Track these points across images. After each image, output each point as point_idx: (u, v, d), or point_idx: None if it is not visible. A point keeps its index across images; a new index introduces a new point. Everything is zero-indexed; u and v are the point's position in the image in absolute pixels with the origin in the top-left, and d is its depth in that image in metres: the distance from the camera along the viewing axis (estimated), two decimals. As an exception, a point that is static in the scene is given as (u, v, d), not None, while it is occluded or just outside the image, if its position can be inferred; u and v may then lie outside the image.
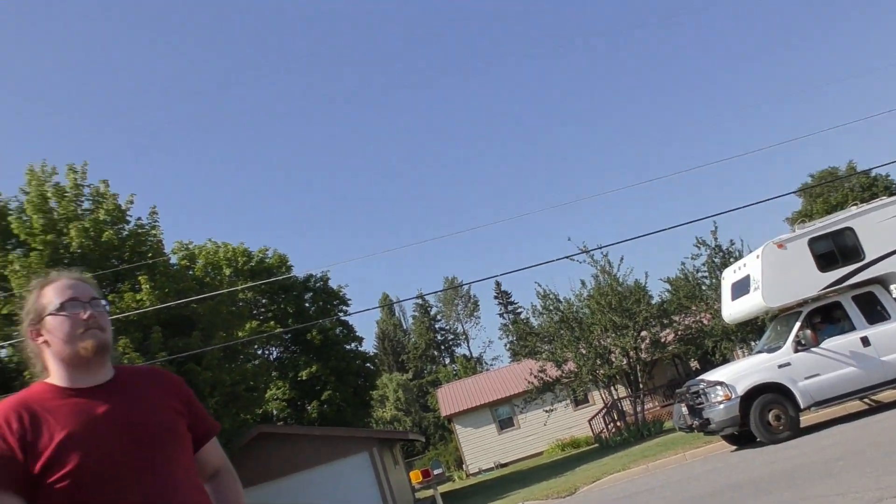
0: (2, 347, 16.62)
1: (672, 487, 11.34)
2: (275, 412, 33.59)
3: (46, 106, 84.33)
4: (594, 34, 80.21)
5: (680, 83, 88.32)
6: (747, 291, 13.58)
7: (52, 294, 2.05)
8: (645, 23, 73.91)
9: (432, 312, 73.73)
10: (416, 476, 18.70)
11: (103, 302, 2.10)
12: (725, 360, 22.15)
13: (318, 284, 36.56)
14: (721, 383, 12.53)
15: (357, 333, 37.31)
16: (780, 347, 12.64)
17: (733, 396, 12.27)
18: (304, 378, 33.47)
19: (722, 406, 12.35)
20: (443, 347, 73.46)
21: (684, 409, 13.34)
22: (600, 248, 25.12)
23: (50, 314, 2.02)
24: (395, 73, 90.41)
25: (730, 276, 14.76)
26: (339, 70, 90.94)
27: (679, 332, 24.97)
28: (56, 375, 2.03)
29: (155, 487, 1.89)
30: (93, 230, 17.65)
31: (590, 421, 29.19)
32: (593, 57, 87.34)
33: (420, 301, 71.04)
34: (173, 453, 1.99)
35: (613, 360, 24.59)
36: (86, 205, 18.77)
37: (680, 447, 15.79)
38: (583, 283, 25.76)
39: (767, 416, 12.21)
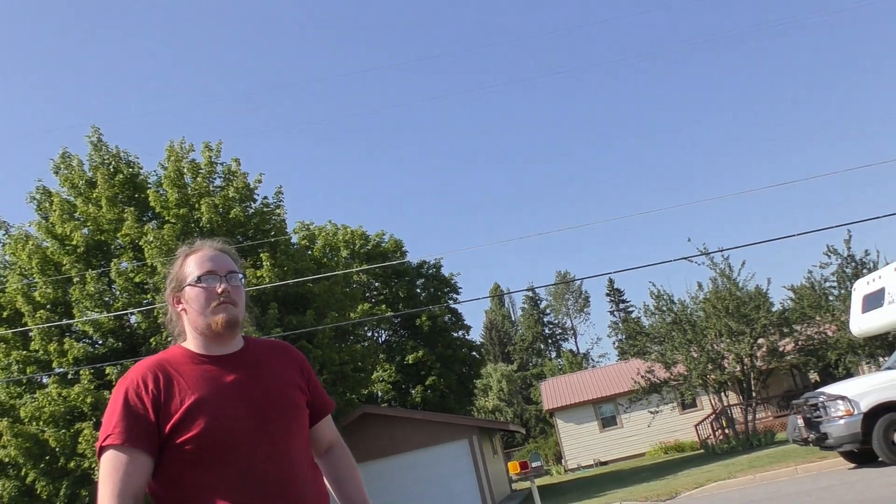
0: (132, 314, 17.67)
1: (781, 500, 10.98)
2: (380, 394, 34.33)
3: (187, 81, 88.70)
4: (740, 34, 77.35)
5: (825, 82, 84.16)
6: (881, 305, 12.93)
7: (192, 265, 2.15)
8: (824, 7, 70.29)
9: (542, 305, 73.36)
10: (514, 467, 18.76)
11: (240, 276, 2.18)
12: (849, 375, 21.16)
13: (430, 271, 37.06)
14: (843, 397, 11.97)
15: (465, 322, 37.66)
16: (913, 366, 11.98)
17: (856, 412, 11.71)
18: (410, 362, 34.04)
19: (842, 421, 11.81)
20: (550, 341, 73.01)
21: (800, 422, 12.84)
22: (721, 250, 24.39)
23: (188, 285, 2.12)
24: (527, 63, 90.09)
25: (862, 288, 14.09)
26: (468, 61, 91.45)
27: (800, 343, 23.99)
28: (191, 341, 2.14)
29: (272, 456, 1.98)
30: (222, 206, 18.49)
31: (696, 426, 28.46)
32: (738, 54, 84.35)
33: (530, 293, 70.86)
34: (292, 426, 2.07)
35: (726, 365, 23.87)
36: (217, 182, 19.65)
37: (792, 460, 15.22)
38: (699, 285, 25.13)
39: (893, 435, 11.61)
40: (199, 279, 2.11)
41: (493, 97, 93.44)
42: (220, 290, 2.09)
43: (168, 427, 1.92)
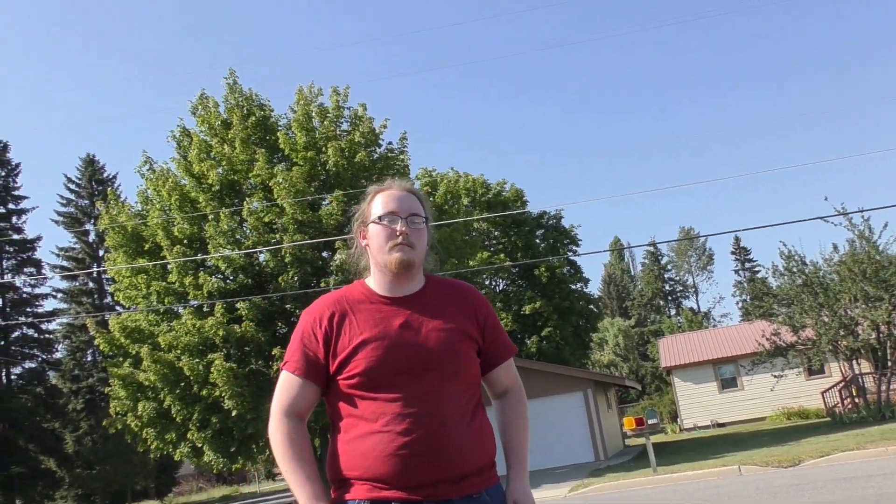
0: (261, 252, 18.37)
1: (915, 476, 10.42)
2: (496, 342, 34.61)
3: (318, 29, 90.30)
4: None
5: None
6: None
7: (378, 203, 2.26)
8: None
9: (663, 261, 71.62)
10: (629, 423, 18.61)
11: (423, 218, 2.27)
12: None
13: (550, 222, 36.78)
14: None
15: (584, 274, 37.30)
16: None
17: None
18: (527, 312, 34.10)
19: None
20: (670, 298, 71.38)
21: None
22: (861, 211, 22.90)
23: (372, 222, 2.25)
24: (653, 10, 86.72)
25: None
26: (592, 9, 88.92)
27: (944, 312, 22.46)
28: (373, 277, 2.28)
29: (423, 396, 2.08)
30: (348, 151, 18.81)
31: (823, 393, 27.26)
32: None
33: (652, 249, 69.24)
34: (452, 374, 2.14)
35: (860, 332, 22.66)
36: (344, 126, 19.97)
37: (929, 435, 14.39)
38: (835, 247, 23.82)
39: None
40: (381, 218, 2.22)
41: (622, 45, 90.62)
42: (398, 231, 2.20)
43: (334, 364, 2.14)
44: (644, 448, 18.70)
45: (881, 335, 22.51)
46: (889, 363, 23.12)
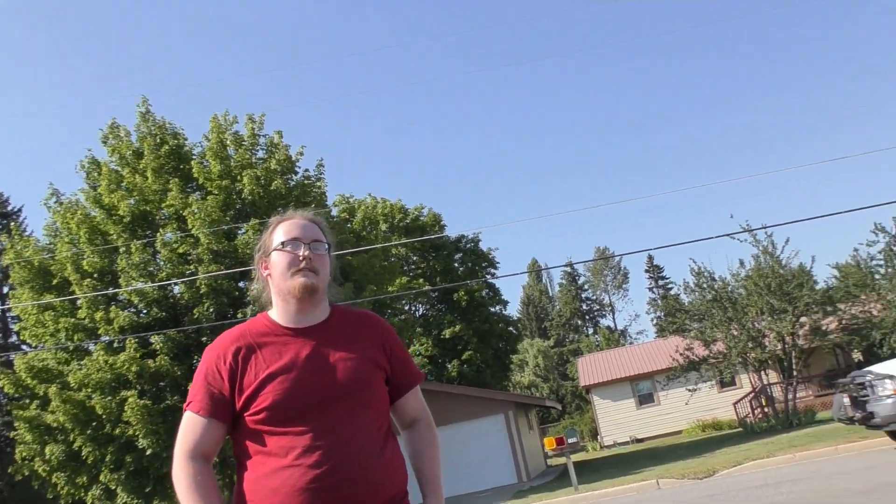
0: (175, 284, 17.96)
1: (821, 480, 10.90)
2: (417, 367, 34.57)
3: (229, 56, 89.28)
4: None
5: (874, 57, 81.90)
6: None
7: (280, 232, 2.25)
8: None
9: (580, 281, 73.06)
10: (550, 443, 18.87)
11: (325, 245, 2.25)
12: (894, 355, 20.77)
13: (468, 245, 37.08)
14: (892, 377, 11.79)
15: (503, 297, 37.68)
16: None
17: (903, 391, 11.55)
18: (447, 336, 34.20)
19: (890, 401, 11.62)
20: (587, 317, 72.77)
21: (846, 400, 12.67)
22: (765, 227, 23.96)
23: (274, 249, 2.23)
24: (560, 37, 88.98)
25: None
26: (502, 32, 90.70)
27: (843, 322, 23.62)
28: (276, 309, 2.24)
29: (333, 429, 2.06)
30: (264, 178, 18.62)
31: (735, 404, 28.24)
32: (783, 30, 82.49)
33: (568, 269, 70.57)
34: (361, 404, 2.12)
35: (767, 344, 23.62)
36: (260, 154, 19.80)
37: (832, 440, 15.06)
38: (741, 262, 24.84)
39: (940, 415, 11.43)
40: (283, 244, 2.21)
41: (533, 70, 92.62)
42: (301, 256, 2.18)
43: (241, 401, 2.09)
44: (566, 467, 18.97)
45: (786, 346, 23.49)
46: (795, 372, 24.12)
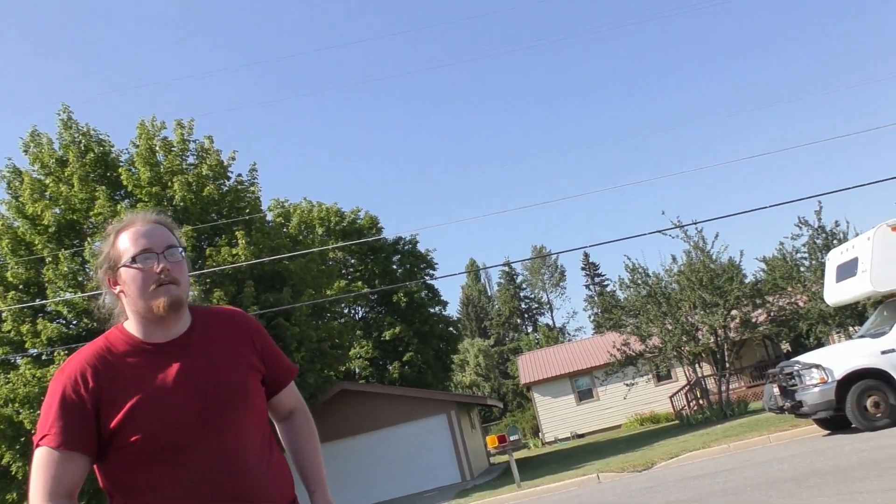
0: (107, 294, 17.48)
1: (754, 469, 11.19)
2: (357, 370, 34.41)
3: (155, 59, 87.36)
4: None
5: (803, 52, 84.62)
6: (854, 274, 13.14)
7: (126, 242, 1.98)
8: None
9: (518, 280, 73.66)
10: (492, 441, 18.97)
11: (179, 249, 2.03)
12: (820, 344, 21.50)
13: (406, 247, 37.03)
14: (818, 366, 12.20)
15: (442, 297, 37.78)
16: (885, 333, 12.19)
17: (829, 380, 11.95)
18: (387, 338, 34.11)
19: (817, 389, 12.04)
20: (526, 316, 73.42)
21: (776, 390, 13.06)
22: (695, 223, 24.52)
23: (124, 265, 1.96)
24: (487, 31, 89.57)
25: (835, 258, 14.29)
26: (435, 28, 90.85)
27: (772, 314, 24.34)
28: (133, 323, 1.99)
29: (221, 450, 1.89)
30: (195, 184, 18.31)
31: (671, 397, 28.88)
32: (692, 25, 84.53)
33: (506, 268, 71.11)
34: (241, 414, 1.96)
35: (700, 337, 24.17)
36: (190, 160, 19.46)
37: (764, 429, 15.50)
38: (673, 258, 25.34)
39: (865, 402, 11.86)
40: (134, 259, 1.95)
41: (466, 68, 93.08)
42: (158, 270, 1.94)
43: (109, 427, 1.85)
44: (508, 465, 19.09)
45: (719, 339, 24.07)
46: (727, 365, 24.74)
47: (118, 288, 1.99)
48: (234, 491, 1.88)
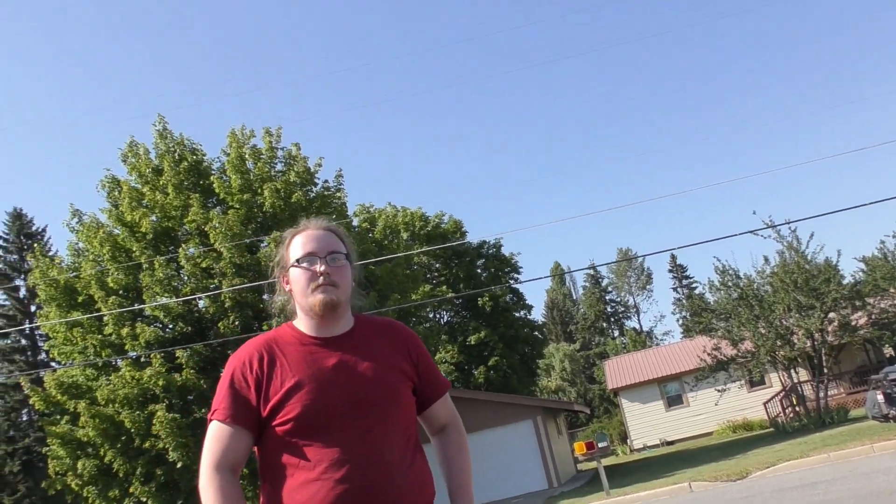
0: (200, 298, 18.05)
1: (858, 480, 10.69)
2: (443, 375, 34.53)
3: (247, 72, 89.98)
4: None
5: None
6: None
7: (297, 245, 2.21)
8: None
9: (603, 283, 72.61)
10: (580, 448, 18.70)
11: (343, 255, 2.21)
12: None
13: (490, 251, 37.03)
14: (925, 372, 11.62)
15: (527, 301, 37.57)
16: None
17: (937, 387, 11.36)
18: (472, 343, 34.14)
19: (924, 397, 11.46)
20: (612, 319, 72.29)
21: (880, 397, 12.51)
22: (788, 223, 23.65)
23: (292, 266, 2.20)
24: (575, 35, 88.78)
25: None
26: (518, 38, 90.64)
27: (873, 316, 23.26)
28: (301, 320, 2.21)
29: (363, 440, 2.02)
30: (284, 191, 18.70)
31: (765, 404, 27.89)
32: (804, 18, 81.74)
33: (591, 272, 70.18)
34: (387, 410, 2.09)
35: (796, 341, 23.30)
36: (279, 167, 19.90)
37: (867, 438, 14.78)
38: (766, 259, 24.55)
39: (975, 410, 11.23)
40: (299, 261, 2.17)
41: (550, 72, 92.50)
42: (319, 271, 2.14)
43: (267, 409, 2.05)
44: (596, 472, 18.80)
45: (815, 343, 23.16)
46: (825, 370, 23.78)
47: (289, 287, 2.23)
48: (375, 479, 1.99)
